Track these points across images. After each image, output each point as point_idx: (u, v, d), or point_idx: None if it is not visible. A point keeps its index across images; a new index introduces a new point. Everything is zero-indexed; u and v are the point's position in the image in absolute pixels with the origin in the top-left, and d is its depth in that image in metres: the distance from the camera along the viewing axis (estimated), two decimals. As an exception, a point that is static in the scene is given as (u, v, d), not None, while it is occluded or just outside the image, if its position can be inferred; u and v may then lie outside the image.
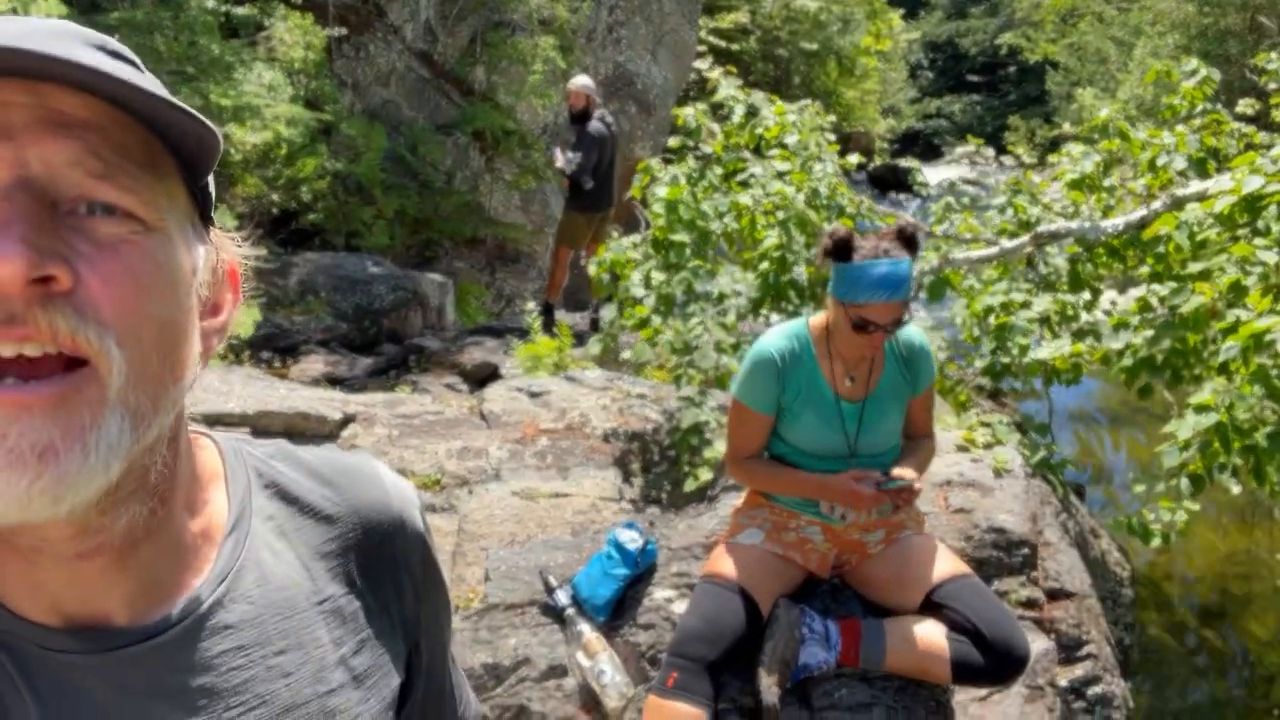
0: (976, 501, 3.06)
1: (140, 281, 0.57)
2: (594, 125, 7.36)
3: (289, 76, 8.88)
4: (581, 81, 7.53)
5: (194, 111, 0.59)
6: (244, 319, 7.59)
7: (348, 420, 5.08)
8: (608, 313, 4.91)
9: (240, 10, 8.56)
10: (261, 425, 4.93)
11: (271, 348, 8.15)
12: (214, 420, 4.96)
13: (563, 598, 2.88)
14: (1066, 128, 13.19)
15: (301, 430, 5.05)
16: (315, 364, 7.57)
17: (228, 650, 0.66)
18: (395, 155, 10.64)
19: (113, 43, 0.61)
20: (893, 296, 2.30)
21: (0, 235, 0.52)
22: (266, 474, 0.76)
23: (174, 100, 0.58)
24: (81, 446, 0.55)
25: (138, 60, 0.63)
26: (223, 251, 0.69)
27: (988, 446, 3.36)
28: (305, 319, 8.68)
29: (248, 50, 8.70)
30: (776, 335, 2.53)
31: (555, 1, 11.45)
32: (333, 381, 7.15)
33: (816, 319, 2.55)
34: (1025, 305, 3.75)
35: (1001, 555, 2.92)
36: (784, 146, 4.39)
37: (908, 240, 2.36)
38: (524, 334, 7.67)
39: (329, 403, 5.29)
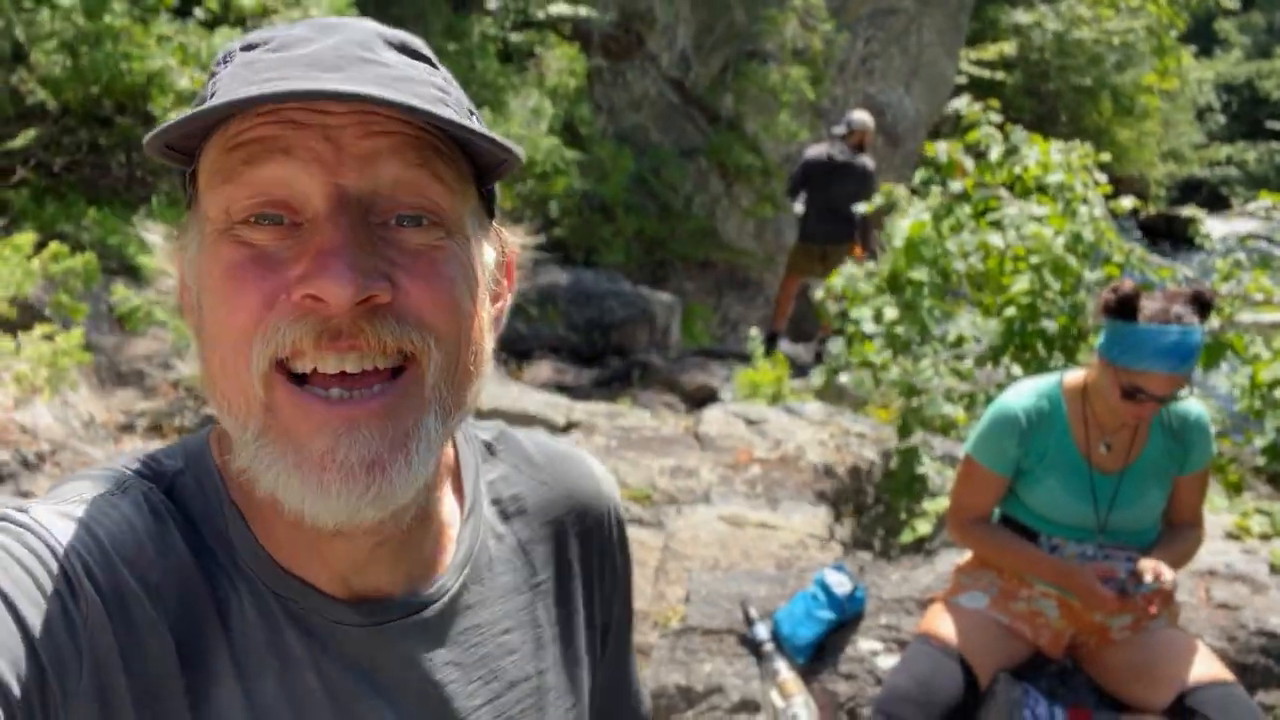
0: (1245, 598, 2.68)
1: (451, 284, 0.61)
2: (811, 150, 7.25)
3: (552, 99, 9.39)
4: (849, 117, 7.48)
5: (501, 140, 0.61)
6: (486, 321, 8.28)
7: (570, 426, 5.23)
8: (834, 346, 4.76)
9: (515, 37, 9.16)
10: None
11: (508, 350, 8.59)
12: (448, 413, 5.25)
13: (762, 632, 2.79)
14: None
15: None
16: (544, 370, 7.88)
17: (468, 629, 0.71)
18: (639, 177, 10.95)
19: (413, 41, 0.65)
20: (1178, 369, 2.04)
21: (331, 261, 0.56)
22: (491, 460, 0.81)
23: (487, 132, 0.60)
24: (405, 455, 0.59)
25: (432, 55, 0.67)
26: (503, 242, 0.73)
27: (1264, 538, 2.94)
28: (541, 326, 9.10)
29: (518, 75, 9.29)
30: (1025, 392, 2.33)
31: (811, 32, 11.39)
32: (559, 389, 7.42)
33: (1073, 377, 2.33)
34: (1324, 381, 3.27)
35: (1271, 664, 2.54)
36: (1043, 190, 4.09)
37: (1204, 305, 2.09)
38: (745, 359, 7.62)
39: (555, 407, 5.47)
